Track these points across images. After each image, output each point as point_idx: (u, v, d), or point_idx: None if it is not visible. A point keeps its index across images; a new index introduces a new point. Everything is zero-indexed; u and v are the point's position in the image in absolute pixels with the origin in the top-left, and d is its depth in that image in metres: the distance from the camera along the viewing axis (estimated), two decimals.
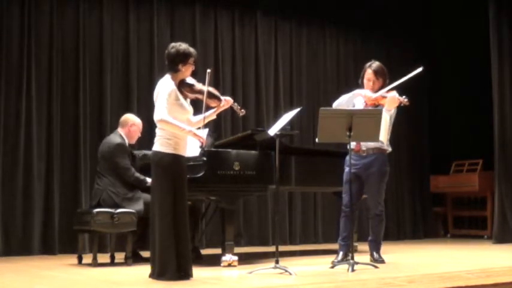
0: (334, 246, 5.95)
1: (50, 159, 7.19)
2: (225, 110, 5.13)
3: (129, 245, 5.80)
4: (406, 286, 4.17)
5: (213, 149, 5.74)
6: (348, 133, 5.07)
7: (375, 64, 5.76)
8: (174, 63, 4.65)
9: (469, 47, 9.87)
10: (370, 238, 5.80)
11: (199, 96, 4.75)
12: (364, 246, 6.40)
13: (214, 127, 7.89)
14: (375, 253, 5.72)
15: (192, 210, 6.06)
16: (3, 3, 7.13)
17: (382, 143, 5.58)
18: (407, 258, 6.39)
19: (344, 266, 5.09)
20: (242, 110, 5.04)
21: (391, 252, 6.77)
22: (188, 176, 4.83)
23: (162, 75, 4.80)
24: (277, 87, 8.96)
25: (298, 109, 5.48)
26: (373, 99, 5.62)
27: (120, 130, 6.18)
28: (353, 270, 4.93)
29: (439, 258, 6.46)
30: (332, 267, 5.32)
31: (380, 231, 5.76)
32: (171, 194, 4.50)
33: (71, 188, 7.30)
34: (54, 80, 7.29)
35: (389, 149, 5.76)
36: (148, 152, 4.99)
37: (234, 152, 5.70)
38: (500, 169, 8.51)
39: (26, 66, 7.16)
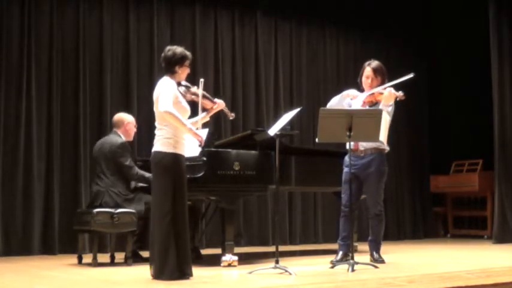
0: (334, 246, 5.96)
1: (50, 159, 7.19)
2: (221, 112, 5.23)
3: (129, 245, 5.79)
4: (406, 286, 4.17)
5: (213, 149, 5.74)
6: (348, 133, 5.07)
7: (374, 62, 5.78)
8: (171, 65, 4.72)
9: (469, 47, 9.87)
10: (370, 238, 5.81)
11: (194, 98, 4.93)
12: (364, 246, 6.40)
13: (215, 127, 7.89)
14: (374, 253, 5.72)
15: (192, 210, 6.06)
16: (3, 3, 7.13)
17: (381, 143, 5.59)
18: (407, 258, 6.39)
19: (344, 266, 5.09)
20: (232, 114, 5.26)
21: (391, 252, 6.77)
22: (188, 176, 4.85)
23: (161, 75, 4.83)
24: (277, 87, 8.95)
25: (298, 109, 5.48)
26: (369, 96, 5.62)
27: (116, 130, 6.18)
28: (353, 270, 4.93)
29: (439, 258, 6.46)
30: (332, 267, 5.33)
31: (380, 231, 5.76)
32: (171, 194, 4.51)
33: (71, 188, 7.30)
34: (54, 80, 7.29)
35: (388, 148, 5.76)
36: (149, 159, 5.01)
37: (234, 152, 5.70)
38: (500, 169, 8.51)
39: (26, 66, 7.16)
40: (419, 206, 10.00)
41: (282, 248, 6.67)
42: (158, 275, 4.50)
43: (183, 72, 4.77)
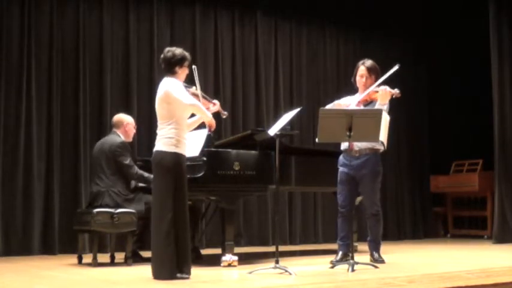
0: (334, 246, 5.96)
1: (50, 159, 7.19)
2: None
3: (129, 245, 5.79)
4: (406, 286, 4.17)
5: (213, 149, 5.75)
6: (348, 133, 5.07)
7: (368, 61, 5.79)
8: (171, 66, 4.74)
9: (469, 47, 9.87)
10: (368, 238, 5.81)
11: (194, 98, 5.00)
12: (364, 246, 6.40)
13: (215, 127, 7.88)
14: (374, 253, 5.72)
15: (192, 210, 6.05)
16: (3, 3, 7.13)
17: (382, 143, 5.58)
18: (407, 258, 6.39)
19: (344, 266, 5.09)
20: (225, 112, 5.39)
21: (391, 252, 6.77)
22: (188, 176, 4.85)
23: (161, 75, 4.84)
24: (277, 87, 8.95)
25: (298, 109, 5.48)
26: (365, 96, 5.61)
27: (116, 131, 6.19)
28: (353, 270, 4.93)
29: (439, 258, 6.46)
30: (332, 267, 5.33)
31: (378, 231, 5.76)
32: (171, 194, 4.53)
33: (71, 188, 7.30)
34: (54, 80, 7.29)
35: (382, 148, 5.75)
36: (150, 159, 5.02)
37: (234, 152, 5.70)
38: (500, 169, 8.51)
39: (26, 66, 7.16)
40: (419, 206, 9.99)
41: (282, 248, 6.67)
42: (158, 274, 4.50)
43: (183, 72, 4.80)
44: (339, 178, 5.73)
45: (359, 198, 6.06)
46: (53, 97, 7.26)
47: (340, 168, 5.72)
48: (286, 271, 4.80)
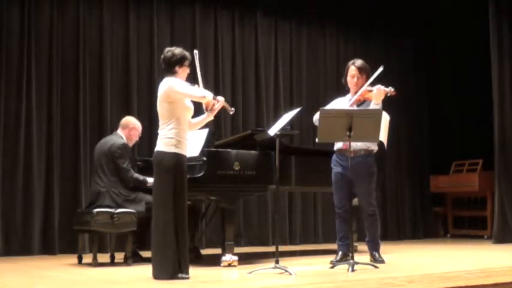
0: (334, 246, 5.95)
1: (50, 159, 7.19)
2: (223, 110, 5.18)
3: (129, 245, 5.80)
4: (406, 286, 4.17)
5: (213, 149, 5.74)
6: (348, 133, 5.07)
7: (358, 61, 5.75)
8: (171, 65, 4.74)
9: (469, 47, 9.87)
10: (367, 239, 5.80)
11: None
12: (364, 246, 6.40)
13: (215, 127, 7.89)
14: (375, 253, 5.72)
15: (192, 210, 6.06)
16: (3, 3, 7.13)
17: (382, 143, 5.58)
18: (407, 258, 6.39)
19: (344, 266, 5.08)
20: (232, 109, 5.14)
21: (391, 252, 6.77)
22: (188, 176, 4.85)
23: (162, 75, 4.83)
24: (277, 87, 8.95)
25: (298, 109, 5.47)
26: (359, 96, 5.60)
27: (120, 132, 6.20)
28: (353, 270, 4.93)
29: (439, 258, 6.45)
30: (332, 267, 5.33)
31: (376, 231, 5.75)
32: (171, 194, 4.52)
33: (71, 188, 7.30)
34: (54, 80, 7.29)
35: (377, 148, 5.73)
36: (150, 159, 5.01)
37: (234, 152, 5.70)
38: (500, 169, 8.51)
39: (26, 66, 7.16)
40: (419, 206, 9.99)
41: (282, 248, 6.67)
42: (158, 274, 4.50)
43: (183, 72, 4.79)
44: (333, 179, 5.71)
45: (356, 199, 6.05)
46: (53, 97, 7.26)
47: (334, 169, 5.70)
48: (286, 271, 4.80)
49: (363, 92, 5.59)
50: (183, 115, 4.68)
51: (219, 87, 8.33)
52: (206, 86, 5.10)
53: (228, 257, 5.48)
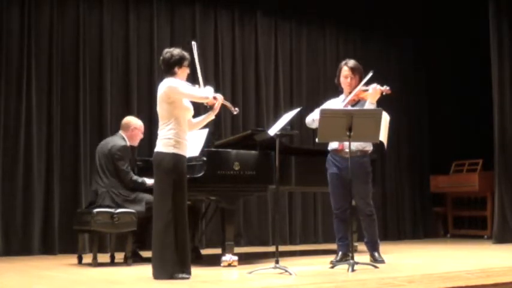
0: (334, 246, 5.95)
1: (50, 159, 7.19)
2: (223, 109, 5.17)
3: (129, 245, 5.80)
4: (406, 286, 4.17)
5: (213, 149, 5.74)
6: (348, 133, 5.07)
7: (351, 61, 5.73)
8: (170, 66, 4.74)
9: (469, 47, 9.86)
10: (365, 240, 5.80)
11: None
12: (364, 246, 6.40)
13: (215, 127, 7.89)
14: (375, 253, 5.71)
15: (192, 210, 6.06)
16: (3, 3, 7.13)
17: (382, 143, 5.58)
18: (407, 258, 6.38)
19: (344, 266, 5.08)
20: (235, 109, 5.12)
21: (391, 252, 6.77)
22: (188, 176, 4.85)
23: (161, 75, 4.84)
24: (277, 87, 8.95)
25: (298, 109, 5.47)
26: (353, 96, 5.59)
27: (122, 133, 6.20)
28: (353, 270, 4.93)
29: (439, 258, 6.45)
30: (332, 267, 5.32)
31: (374, 231, 5.74)
32: (171, 194, 4.53)
33: (71, 188, 7.30)
34: (54, 80, 7.29)
35: (372, 149, 5.73)
36: (150, 159, 5.01)
37: (234, 152, 5.70)
38: (500, 169, 8.51)
39: (26, 66, 7.16)
40: (419, 206, 9.99)
41: (282, 248, 6.67)
42: (158, 274, 4.50)
43: (183, 72, 4.79)
44: (329, 179, 5.70)
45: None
46: (53, 97, 7.27)
47: (330, 169, 5.69)
48: (286, 271, 4.80)
49: (358, 92, 5.58)
50: (182, 115, 4.68)
51: (219, 87, 8.32)
52: (206, 83, 5.09)
53: (228, 257, 5.48)
